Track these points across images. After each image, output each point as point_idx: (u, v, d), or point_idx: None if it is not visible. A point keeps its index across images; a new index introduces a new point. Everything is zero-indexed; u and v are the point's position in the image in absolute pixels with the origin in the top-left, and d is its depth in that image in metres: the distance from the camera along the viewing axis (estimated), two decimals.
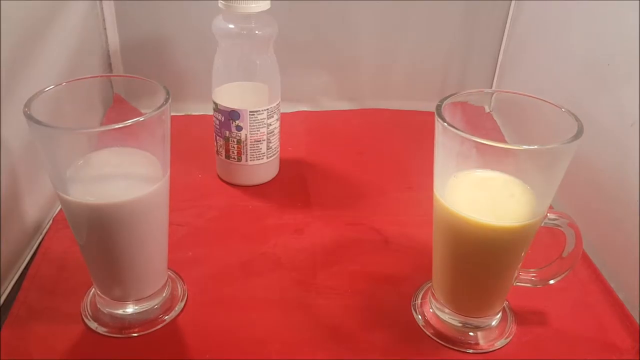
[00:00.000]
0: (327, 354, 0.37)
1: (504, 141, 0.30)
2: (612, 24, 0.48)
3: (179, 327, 0.39)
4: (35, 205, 0.48)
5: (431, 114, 0.34)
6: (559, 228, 0.36)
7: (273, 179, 0.56)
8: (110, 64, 0.67)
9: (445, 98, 0.35)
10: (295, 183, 0.56)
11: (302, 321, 0.40)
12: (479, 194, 0.36)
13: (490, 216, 0.33)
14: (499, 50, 0.70)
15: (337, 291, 0.43)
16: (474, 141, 0.31)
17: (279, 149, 0.56)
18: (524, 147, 0.31)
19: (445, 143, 0.33)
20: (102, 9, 0.64)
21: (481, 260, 0.36)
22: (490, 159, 0.34)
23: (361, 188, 0.56)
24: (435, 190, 0.36)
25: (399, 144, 0.65)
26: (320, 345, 0.38)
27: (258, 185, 0.55)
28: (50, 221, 0.49)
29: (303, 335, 0.39)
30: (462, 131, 0.31)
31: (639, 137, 0.42)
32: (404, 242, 0.48)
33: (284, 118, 0.54)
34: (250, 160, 0.53)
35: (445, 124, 0.32)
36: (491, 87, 0.72)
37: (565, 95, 0.53)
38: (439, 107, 0.34)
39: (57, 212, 0.50)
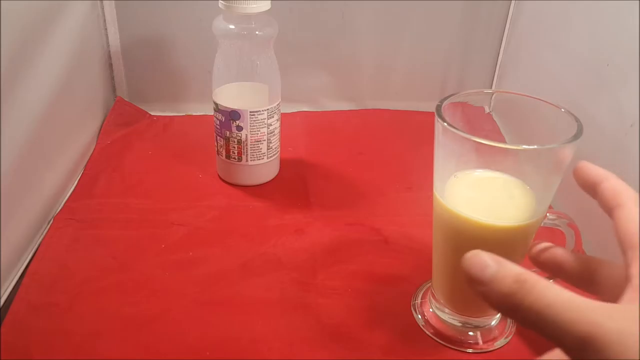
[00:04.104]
0: (327, 354, 0.37)
1: (503, 141, 0.30)
2: (612, 24, 0.48)
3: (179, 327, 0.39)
4: (36, 204, 0.48)
5: (431, 114, 0.34)
6: (559, 228, 0.36)
7: (273, 179, 0.56)
8: (110, 64, 0.67)
9: (445, 98, 0.35)
10: (295, 183, 0.56)
11: (302, 321, 0.40)
12: (479, 194, 0.36)
13: (490, 216, 0.33)
14: (499, 50, 0.70)
15: (337, 291, 0.43)
16: (474, 141, 0.31)
17: (279, 149, 0.56)
18: (524, 147, 0.31)
19: (445, 143, 0.34)
20: (102, 9, 0.64)
21: None
22: (490, 159, 0.34)
23: (361, 188, 0.56)
24: (435, 190, 0.36)
25: (399, 144, 0.65)
26: (320, 345, 0.38)
27: (258, 185, 0.55)
28: (51, 220, 0.49)
29: (303, 335, 0.39)
30: (462, 131, 0.31)
31: (639, 137, 0.42)
32: (404, 242, 0.48)
33: (284, 118, 0.54)
34: (251, 160, 0.53)
35: (445, 124, 0.32)
36: (491, 87, 0.72)
37: (565, 95, 0.53)
38: (439, 107, 0.34)
39: (57, 211, 0.50)
